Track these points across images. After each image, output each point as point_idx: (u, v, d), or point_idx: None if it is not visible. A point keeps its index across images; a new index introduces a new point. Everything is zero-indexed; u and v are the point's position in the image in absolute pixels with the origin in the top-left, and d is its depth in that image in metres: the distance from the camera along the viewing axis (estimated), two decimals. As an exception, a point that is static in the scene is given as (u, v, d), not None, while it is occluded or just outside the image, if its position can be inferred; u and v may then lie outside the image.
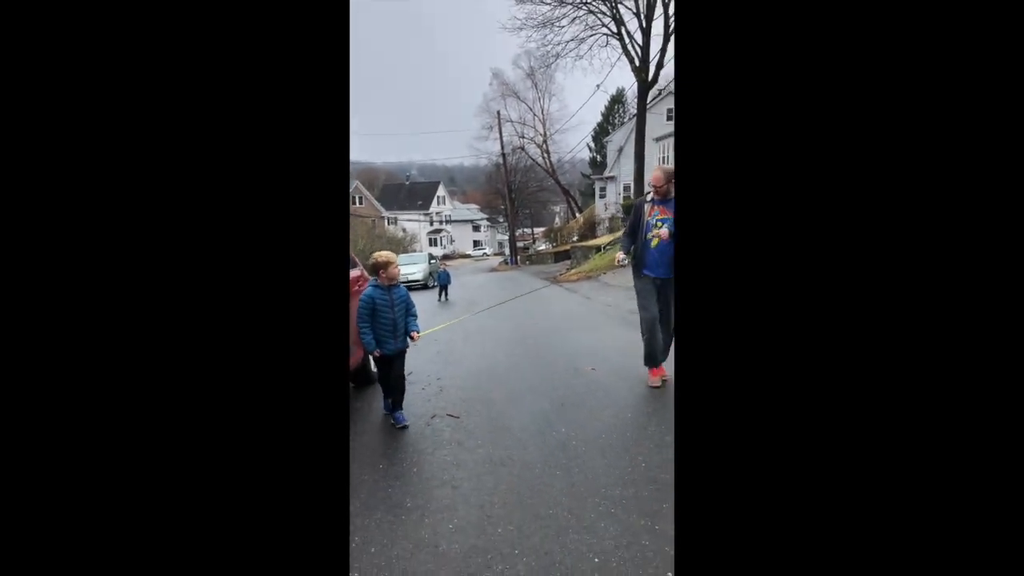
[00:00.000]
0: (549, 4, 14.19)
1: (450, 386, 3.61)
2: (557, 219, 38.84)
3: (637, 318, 3.22)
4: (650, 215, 3.02)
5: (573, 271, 13.35)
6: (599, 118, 35.64)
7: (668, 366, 3.24)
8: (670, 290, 3.05)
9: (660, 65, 13.49)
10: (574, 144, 75.32)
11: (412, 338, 2.84)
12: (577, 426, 2.65)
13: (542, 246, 31.99)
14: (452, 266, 18.42)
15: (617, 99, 34.41)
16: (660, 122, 19.24)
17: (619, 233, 14.46)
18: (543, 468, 2.21)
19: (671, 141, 18.17)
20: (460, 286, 13.15)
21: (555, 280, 12.05)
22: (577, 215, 29.40)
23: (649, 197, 3.10)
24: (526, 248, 32.83)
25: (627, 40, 13.88)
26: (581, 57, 17.32)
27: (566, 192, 31.40)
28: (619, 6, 13.68)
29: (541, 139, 29.84)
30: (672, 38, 12.83)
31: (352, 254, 3.49)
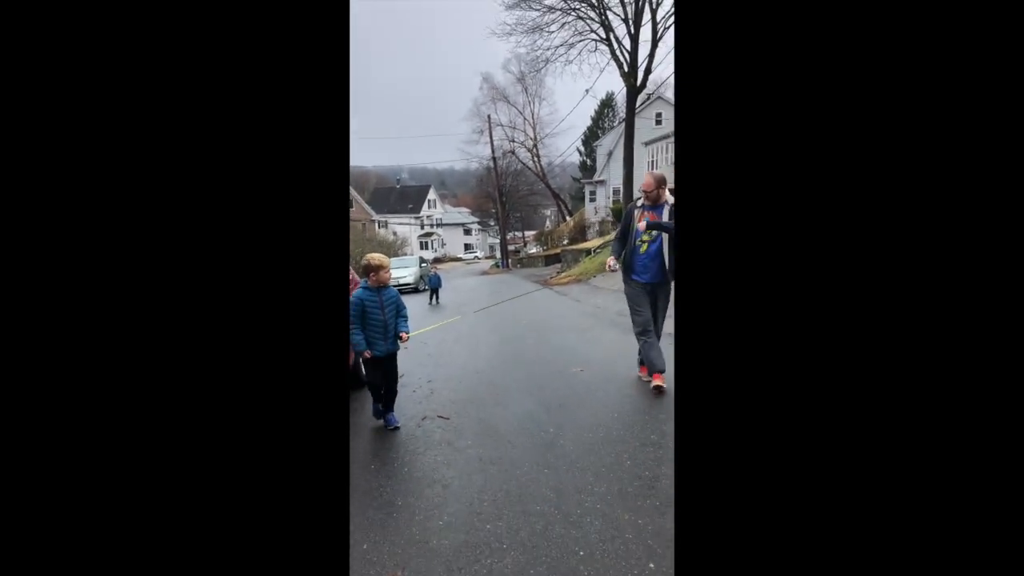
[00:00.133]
0: (538, 10, 14.37)
1: (441, 388, 3.65)
2: (548, 222, 38.88)
3: (625, 320, 3.27)
4: (640, 220, 3.03)
5: (564, 274, 13.42)
6: (589, 122, 35.99)
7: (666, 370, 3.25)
8: (658, 295, 3.12)
9: (648, 70, 13.67)
10: (564, 148, 75.44)
11: (401, 339, 2.84)
12: (565, 425, 2.70)
13: (533, 249, 32.08)
14: (443, 269, 18.38)
15: (607, 103, 34.68)
16: (649, 126, 19.46)
17: (609, 236, 14.54)
18: (531, 466, 2.26)
19: (660, 145, 18.36)
20: (451, 289, 13.17)
21: (546, 283, 12.11)
22: (567, 219, 29.52)
23: (640, 203, 3.10)
24: (517, 251, 32.91)
25: (615, 46, 14.06)
26: (571, 62, 17.44)
27: (556, 196, 31.49)
28: (607, 13, 13.87)
29: (531, 143, 29.98)
30: (659, 44, 13.05)
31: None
